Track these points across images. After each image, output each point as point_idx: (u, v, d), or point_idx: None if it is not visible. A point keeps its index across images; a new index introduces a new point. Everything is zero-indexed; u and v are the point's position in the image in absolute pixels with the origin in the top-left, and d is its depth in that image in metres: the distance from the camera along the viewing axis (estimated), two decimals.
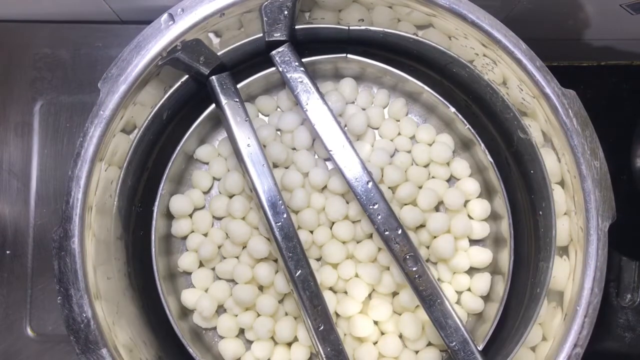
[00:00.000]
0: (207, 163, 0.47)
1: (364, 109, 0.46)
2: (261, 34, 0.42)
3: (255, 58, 0.44)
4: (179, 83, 0.42)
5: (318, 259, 0.44)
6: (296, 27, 0.42)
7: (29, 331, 0.47)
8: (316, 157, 0.46)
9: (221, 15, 0.38)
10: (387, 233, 0.39)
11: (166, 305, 0.42)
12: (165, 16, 0.37)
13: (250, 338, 0.44)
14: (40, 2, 0.47)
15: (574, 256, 0.38)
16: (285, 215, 0.39)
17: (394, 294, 0.44)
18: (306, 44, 0.44)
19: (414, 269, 0.39)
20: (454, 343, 0.38)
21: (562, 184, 0.39)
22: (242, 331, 0.45)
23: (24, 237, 0.48)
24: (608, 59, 0.54)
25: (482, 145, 0.43)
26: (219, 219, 0.46)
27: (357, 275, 0.43)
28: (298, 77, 0.42)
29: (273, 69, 0.43)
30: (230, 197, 0.45)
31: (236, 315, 0.44)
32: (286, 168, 0.45)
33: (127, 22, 0.50)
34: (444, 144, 0.45)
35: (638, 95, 0.53)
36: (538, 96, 0.38)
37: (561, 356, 0.36)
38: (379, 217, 0.39)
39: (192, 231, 0.45)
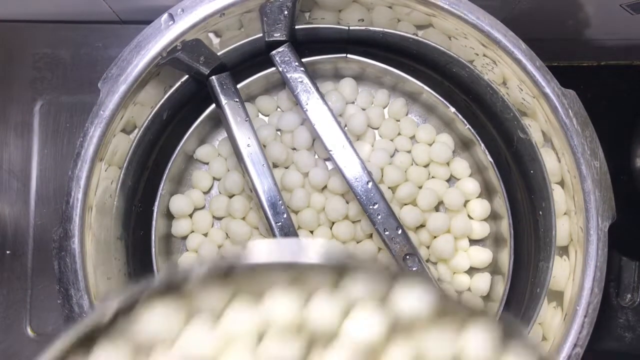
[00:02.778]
0: (207, 163, 0.47)
1: (364, 109, 0.46)
2: (261, 34, 0.42)
3: (255, 58, 0.44)
4: (179, 83, 0.42)
5: None
6: (296, 27, 0.42)
7: (29, 331, 0.47)
8: (316, 157, 0.46)
9: (221, 15, 0.38)
10: (387, 233, 0.39)
11: None
12: (165, 16, 0.37)
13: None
14: (40, 2, 0.47)
15: (574, 256, 0.38)
16: (285, 215, 0.39)
17: None
18: (306, 44, 0.44)
19: (414, 269, 0.39)
20: None
21: (562, 184, 0.39)
22: None
23: (24, 237, 0.48)
24: (608, 59, 0.54)
25: (482, 145, 0.43)
26: (219, 219, 0.46)
27: None
28: (298, 77, 0.42)
29: (273, 69, 0.43)
30: (230, 197, 0.45)
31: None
32: (286, 168, 0.45)
33: (127, 22, 0.50)
34: (444, 144, 0.45)
35: (638, 95, 0.53)
36: (538, 96, 0.38)
37: (561, 356, 0.36)
38: (379, 217, 0.39)
39: (192, 231, 0.45)
